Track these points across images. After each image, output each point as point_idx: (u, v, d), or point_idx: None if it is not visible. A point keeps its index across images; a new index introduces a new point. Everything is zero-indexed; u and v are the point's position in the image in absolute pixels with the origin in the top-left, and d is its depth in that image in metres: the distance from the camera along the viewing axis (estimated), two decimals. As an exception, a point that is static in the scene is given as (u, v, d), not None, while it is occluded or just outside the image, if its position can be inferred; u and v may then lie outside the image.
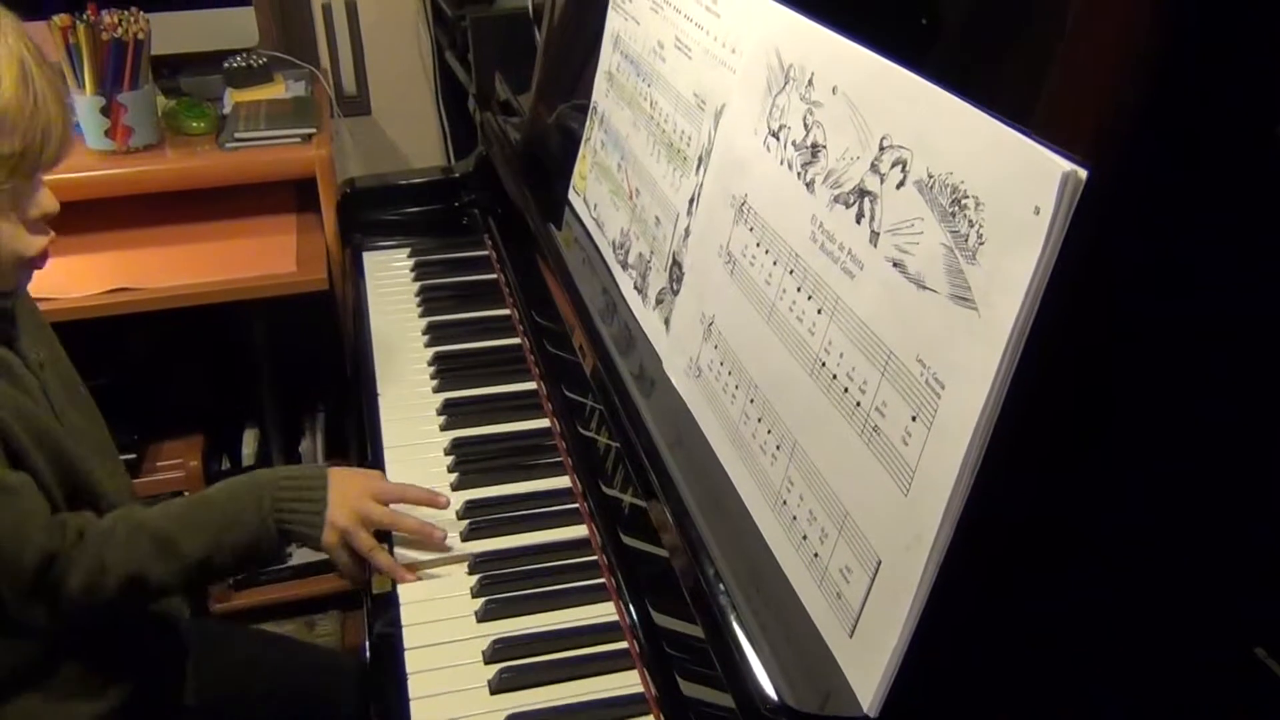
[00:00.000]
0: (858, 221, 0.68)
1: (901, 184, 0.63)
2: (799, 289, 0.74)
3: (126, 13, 1.74)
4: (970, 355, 0.56)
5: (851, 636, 0.64)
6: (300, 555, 2.12)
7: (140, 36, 1.74)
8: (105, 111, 1.76)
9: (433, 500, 1.10)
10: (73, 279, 1.67)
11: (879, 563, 0.62)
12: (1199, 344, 0.52)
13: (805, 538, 0.70)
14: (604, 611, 1.02)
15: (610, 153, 1.15)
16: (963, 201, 0.57)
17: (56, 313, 1.65)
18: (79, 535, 0.94)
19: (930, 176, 0.60)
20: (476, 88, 1.87)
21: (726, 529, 0.79)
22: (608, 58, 1.18)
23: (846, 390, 0.67)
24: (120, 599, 0.95)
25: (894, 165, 0.64)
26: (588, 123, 1.23)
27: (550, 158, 1.42)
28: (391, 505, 1.08)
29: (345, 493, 1.05)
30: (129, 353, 2.01)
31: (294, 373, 2.17)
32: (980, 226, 0.55)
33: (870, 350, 0.65)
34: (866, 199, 0.67)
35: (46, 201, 0.93)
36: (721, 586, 0.73)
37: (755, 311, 0.79)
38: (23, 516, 0.90)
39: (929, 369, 0.59)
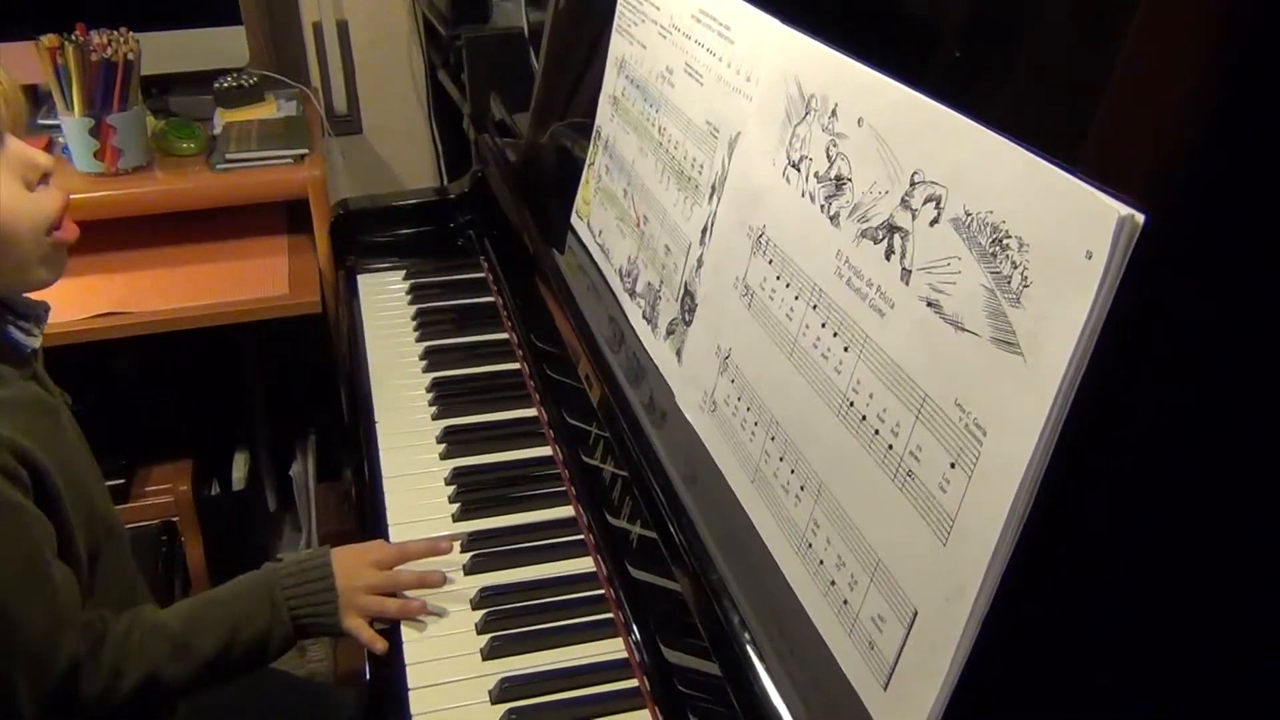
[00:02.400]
0: (887, 258, 0.66)
1: (935, 221, 0.62)
2: (823, 325, 0.72)
3: (116, 33, 1.71)
4: (1016, 402, 0.54)
5: (886, 689, 0.62)
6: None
7: (130, 57, 1.71)
8: (94, 133, 1.73)
9: (434, 549, 1.08)
10: (61, 303, 1.63)
11: (915, 613, 0.60)
12: (1261, 398, 0.50)
13: (833, 583, 0.68)
14: (613, 648, 0.99)
15: (615, 178, 1.13)
16: (1004, 242, 0.55)
17: (44, 337, 1.62)
18: (99, 639, 0.90)
19: (968, 215, 0.59)
20: (471, 107, 1.85)
21: (747, 570, 0.77)
22: (612, 82, 1.16)
23: (877, 433, 0.65)
24: (134, 700, 0.92)
25: (927, 201, 0.62)
26: (591, 146, 1.21)
27: (550, 180, 1.40)
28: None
29: (349, 570, 1.03)
30: (117, 376, 1.97)
31: (285, 395, 2.14)
32: (1024, 269, 0.54)
33: (903, 392, 0.63)
34: (897, 235, 0.65)
35: (38, 156, 0.89)
36: (747, 635, 0.71)
37: (775, 346, 0.77)
38: (59, 620, 0.86)
39: (968, 414, 0.57)
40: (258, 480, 2.12)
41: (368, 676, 1.03)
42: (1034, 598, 0.54)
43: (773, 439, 0.77)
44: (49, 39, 1.67)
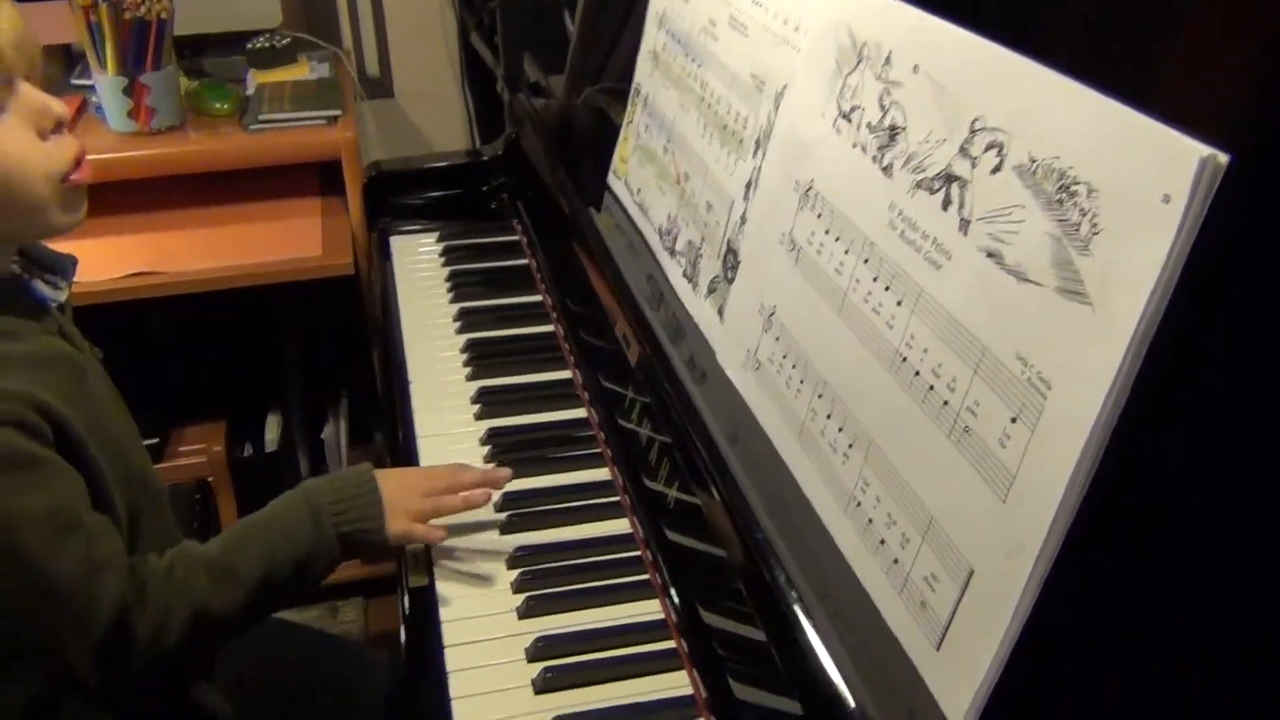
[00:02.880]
0: (944, 208, 0.64)
1: (997, 169, 0.59)
2: (875, 279, 0.70)
3: (150, -10, 1.70)
4: (1083, 354, 0.52)
5: (939, 649, 0.60)
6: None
7: (164, 16, 1.70)
8: (128, 92, 1.72)
9: (490, 479, 1.07)
10: (95, 263, 1.64)
11: (971, 572, 0.58)
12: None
13: (883, 542, 0.67)
14: (650, 609, 0.99)
15: (655, 135, 1.11)
16: (1072, 188, 0.53)
17: (78, 296, 1.62)
18: (143, 580, 0.88)
19: (1032, 161, 0.57)
20: (505, 69, 1.83)
21: (792, 530, 0.75)
22: (652, 37, 1.14)
23: (932, 388, 0.63)
24: (186, 641, 0.90)
25: (988, 149, 0.60)
26: (629, 104, 1.19)
27: (586, 140, 1.38)
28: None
29: (396, 484, 1.02)
30: (152, 336, 1.98)
31: (318, 357, 2.14)
32: (1094, 215, 0.52)
33: (960, 346, 0.61)
34: (954, 185, 0.63)
35: (52, 103, 0.85)
36: (794, 593, 0.69)
37: (824, 302, 0.76)
38: (96, 565, 0.84)
39: (1031, 367, 0.55)
40: (290, 442, 2.12)
41: (403, 635, 1.03)
42: (1097, 555, 0.53)
43: (820, 396, 0.75)
44: (83, -3, 1.66)
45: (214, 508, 1.90)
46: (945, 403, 0.62)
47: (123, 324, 1.90)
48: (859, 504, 0.69)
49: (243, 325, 2.08)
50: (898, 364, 0.67)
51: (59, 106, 0.85)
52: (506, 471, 1.07)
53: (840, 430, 0.72)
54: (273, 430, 2.09)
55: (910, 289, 0.66)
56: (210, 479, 1.89)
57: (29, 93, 0.84)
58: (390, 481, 1.02)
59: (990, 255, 0.59)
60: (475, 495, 1.04)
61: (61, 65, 1.97)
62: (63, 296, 0.92)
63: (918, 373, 0.65)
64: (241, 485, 1.94)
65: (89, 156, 1.69)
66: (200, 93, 1.85)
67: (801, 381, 0.78)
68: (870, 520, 0.68)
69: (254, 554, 0.94)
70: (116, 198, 1.74)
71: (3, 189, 0.82)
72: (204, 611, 0.91)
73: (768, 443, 0.82)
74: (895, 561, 0.65)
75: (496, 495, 1.11)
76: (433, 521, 1.03)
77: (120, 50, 1.69)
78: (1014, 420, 0.56)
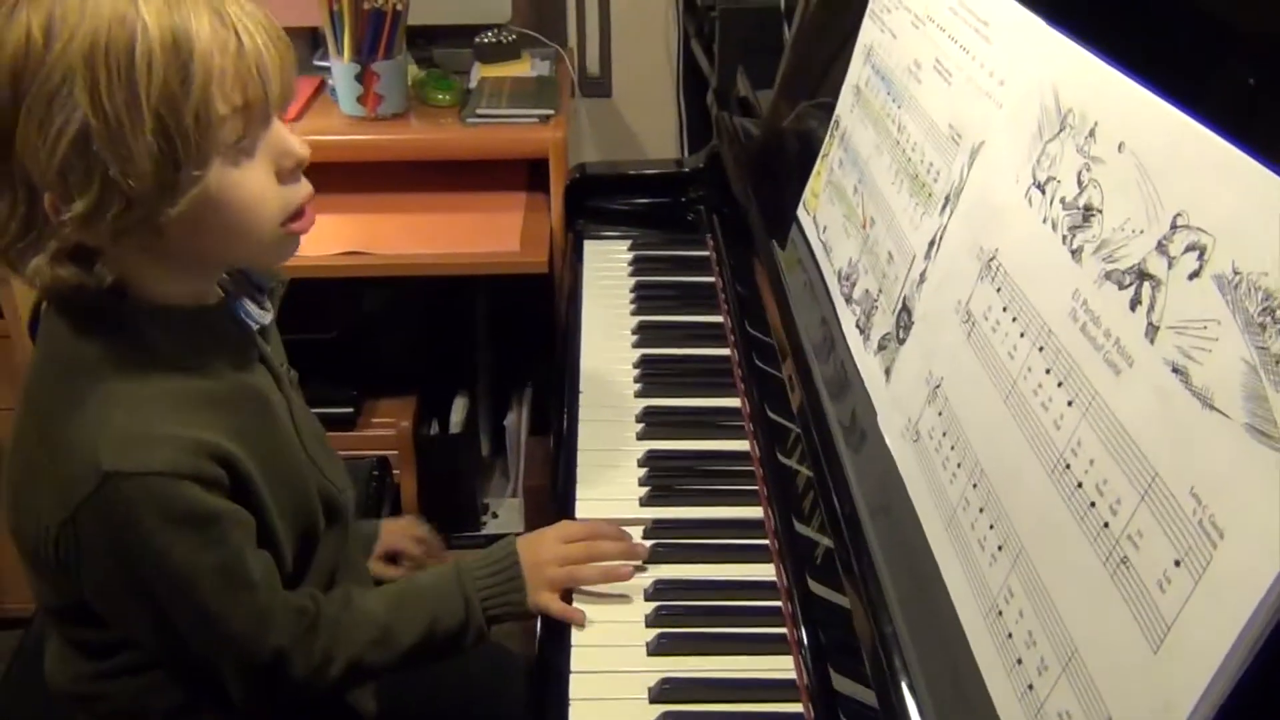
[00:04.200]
0: (1132, 308, 0.57)
1: (1195, 274, 0.53)
2: (1048, 371, 0.64)
3: (390, -19, 1.78)
4: (1267, 505, 0.45)
5: (1064, 796, 0.54)
6: (491, 526, 2.16)
7: (399, 7, 1.77)
8: (359, 78, 1.81)
9: (621, 536, 1.06)
10: (311, 238, 1.72)
11: (1109, 719, 0.52)
12: None
13: (1020, 662, 0.61)
14: (782, 665, 0.95)
15: (848, 173, 1.07)
16: (1278, 313, 0.46)
17: (291, 269, 1.72)
18: (311, 625, 0.92)
19: (1236, 273, 0.50)
20: (718, 81, 1.81)
21: (926, 623, 0.70)
22: (857, 70, 1.09)
23: (1093, 505, 0.57)
24: (337, 684, 0.94)
25: (1188, 250, 0.53)
26: (828, 137, 1.15)
27: (782, 167, 1.34)
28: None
29: (534, 549, 1.03)
30: (356, 312, 2.08)
31: (509, 347, 2.19)
32: (1300, 350, 0.45)
33: (1130, 465, 0.55)
34: (1146, 283, 0.56)
35: (294, 146, 0.83)
36: (914, 700, 0.64)
37: (991, 385, 0.70)
38: (262, 616, 0.88)
39: (1205, 508, 0.49)
40: (474, 425, 2.18)
41: (538, 649, 1.03)
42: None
43: (974, 486, 0.69)
44: (328, -15, 1.75)
45: (394, 482, 1.98)
46: (1105, 525, 0.56)
47: (332, 296, 2.02)
48: (1000, 613, 0.64)
49: (443, 308, 2.16)
50: (1060, 470, 0.61)
51: (301, 150, 0.84)
52: (644, 548, 1.06)
53: (991, 528, 0.67)
54: (459, 412, 2.16)
55: (1084, 390, 0.60)
56: (395, 453, 1.97)
57: (278, 132, 0.83)
58: (527, 552, 1.02)
59: (1175, 370, 0.53)
60: (621, 571, 1.03)
61: (308, 46, 2.10)
62: (267, 319, 0.92)
63: (1080, 485, 0.59)
64: (424, 461, 2.02)
65: (317, 137, 1.79)
66: (426, 83, 1.92)
67: (958, 465, 0.72)
68: (1010, 634, 0.62)
69: (415, 622, 0.97)
70: (337, 178, 1.84)
71: (232, 224, 0.81)
72: (359, 664, 0.94)
73: (916, 521, 0.77)
74: (1030, 687, 0.59)
75: (646, 523, 1.10)
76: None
77: (356, 38, 1.78)
78: (1178, 564, 0.50)
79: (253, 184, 0.81)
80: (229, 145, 0.78)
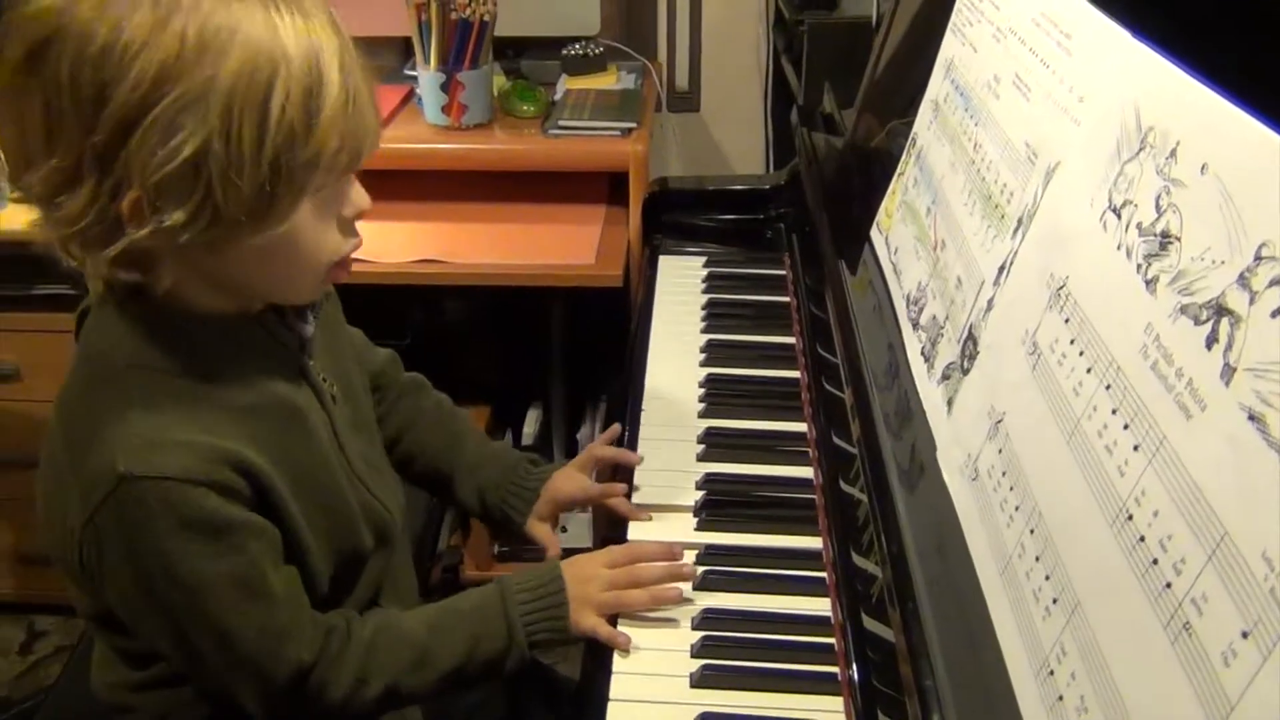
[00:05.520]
0: (1208, 346, 0.52)
1: (1279, 312, 0.47)
2: (1114, 410, 0.58)
3: (480, -7, 1.78)
4: (1344, 579, 0.40)
5: None
6: (561, 540, 2.14)
7: (486, 18, 1.77)
8: (444, 88, 1.82)
9: (670, 554, 1.03)
10: (389, 245, 1.75)
11: (1161, 804, 0.47)
12: None
13: (1069, 729, 0.55)
14: (831, 706, 0.90)
15: (922, 193, 1.02)
16: (1368, 359, 0.41)
17: (368, 275, 1.74)
18: (343, 645, 0.91)
19: (1324, 312, 0.44)
20: (804, 97, 1.77)
21: (973, 673, 0.65)
22: (937, 85, 1.04)
23: (1155, 562, 0.52)
24: (374, 707, 0.93)
25: (1272, 284, 0.48)
26: (904, 155, 1.10)
27: (860, 185, 1.29)
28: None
29: (580, 574, 1.00)
30: (432, 320, 2.09)
31: (584, 358, 2.18)
32: (1391, 402, 0.39)
33: (1197, 520, 0.49)
34: (1225, 319, 0.51)
35: (360, 199, 0.84)
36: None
37: (1054, 423, 0.64)
38: (278, 632, 0.86)
39: (1279, 575, 0.43)
40: (547, 437, 2.17)
41: (580, 675, 1.00)
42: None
43: (1031, 532, 0.64)
44: (419, -5, 1.77)
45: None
46: (1168, 585, 0.50)
47: (409, 302, 2.03)
48: (1052, 673, 0.58)
49: (520, 318, 2.16)
50: (1122, 521, 0.55)
51: (367, 204, 0.85)
52: (691, 568, 1.02)
53: (1047, 579, 0.61)
54: (532, 424, 2.15)
55: (1152, 434, 0.54)
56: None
57: (352, 184, 0.84)
58: (571, 573, 1.00)
59: (1252, 418, 0.47)
60: (668, 594, 1.00)
61: (399, 56, 2.12)
62: (308, 332, 0.91)
63: (1142, 538, 0.53)
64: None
65: (402, 145, 1.79)
66: (511, 93, 1.92)
67: (1016, 508, 0.67)
68: (1061, 697, 0.57)
69: (454, 646, 0.95)
70: (418, 186, 1.85)
71: (291, 262, 0.82)
72: (396, 688, 0.93)
73: (969, 565, 0.71)
74: (1078, 758, 0.54)
75: (698, 548, 1.06)
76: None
77: (443, 48, 1.79)
78: (1245, 635, 0.44)
79: (319, 229, 0.82)
80: (317, 191, 0.79)
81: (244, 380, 0.85)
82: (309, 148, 0.74)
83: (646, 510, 1.13)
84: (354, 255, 0.89)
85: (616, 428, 1.25)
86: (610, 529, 1.16)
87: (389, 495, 1.01)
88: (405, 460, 1.17)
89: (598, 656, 0.98)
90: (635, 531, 1.11)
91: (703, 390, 1.33)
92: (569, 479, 1.18)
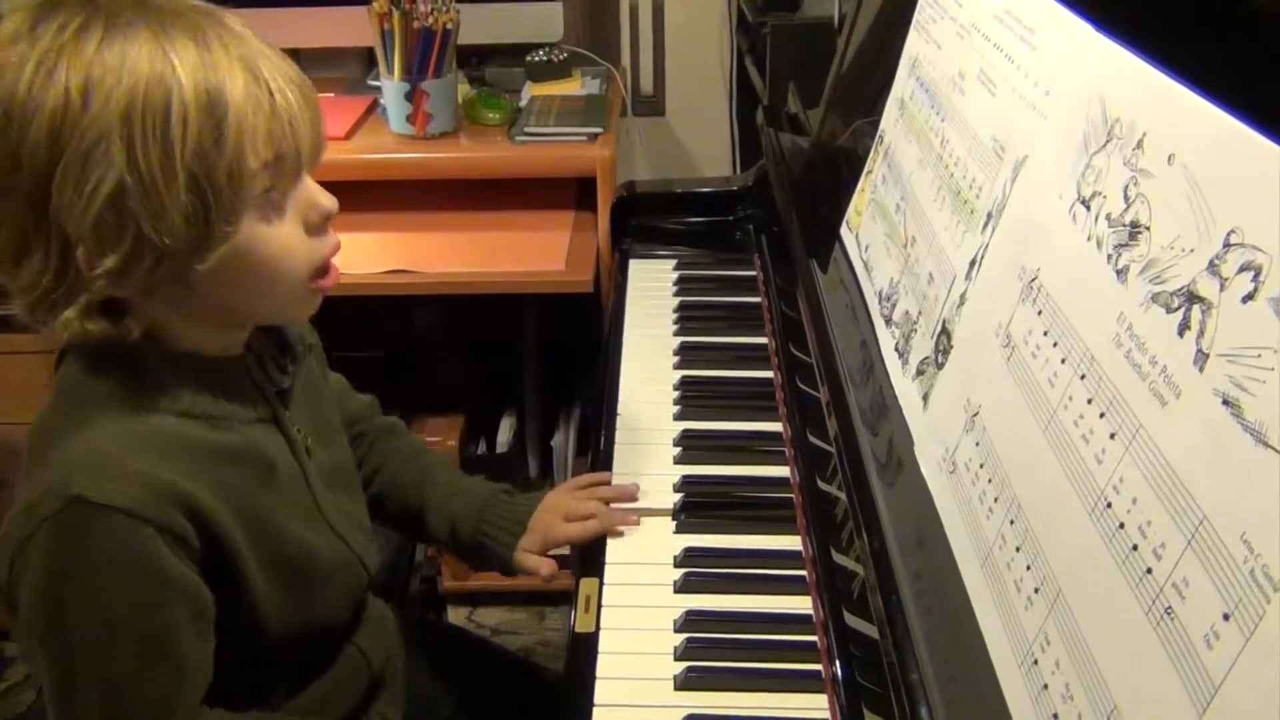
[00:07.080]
0: (1180, 333, 0.52)
1: (1250, 297, 0.48)
2: (1089, 400, 0.59)
3: (440, 1, 1.77)
4: (1323, 559, 0.40)
5: None
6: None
7: (449, 26, 1.77)
8: (409, 97, 1.81)
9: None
10: (357, 257, 1.73)
11: (1149, 787, 0.47)
12: None
13: (1056, 717, 0.56)
14: (816, 704, 0.90)
15: (890, 190, 1.02)
16: (1339, 341, 0.41)
17: (338, 287, 1.71)
18: None
19: (1294, 296, 0.45)
20: (769, 98, 1.77)
21: (958, 664, 0.66)
22: (902, 83, 1.05)
23: (1135, 548, 0.52)
24: None
25: (1242, 270, 0.49)
26: (872, 152, 1.10)
27: (828, 184, 1.30)
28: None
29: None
30: (404, 331, 2.08)
31: (556, 366, 2.17)
32: (1363, 382, 0.40)
33: (1175, 506, 0.50)
34: (1196, 306, 0.52)
35: (321, 198, 0.83)
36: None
37: (1030, 414, 0.65)
38: (176, 704, 0.81)
39: (1258, 557, 0.44)
40: (522, 444, 2.17)
41: (564, 676, 1.00)
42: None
43: (1011, 523, 0.65)
44: (379, 4, 1.75)
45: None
46: (1149, 570, 0.51)
47: (378, 314, 2.02)
48: (1036, 662, 0.59)
49: (489, 327, 2.15)
50: (1100, 509, 0.56)
51: (329, 203, 0.84)
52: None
53: (1028, 569, 0.62)
54: (505, 432, 2.14)
55: (1127, 422, 0.55)
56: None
57: (308, 186, 0.83)
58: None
59: (1227, 403, 0.48)
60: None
61: (362, 66, 2.11)
62: (285, 383, 0.91)
63: (1122, 525, 0.54)
64: (484, 482, 2.00)
65: (368, 156, 1.78)
66: (476, 101, 1.91)
67: (995, 500, 0.68)
68: (1045, 685, 0.57)
69: None
70: (385, 197, 1.84)
71: (262, 276, 0.81)
72: None
73: (952, 558, 0.72)
74: (1065, 745, 0.54)
75: (678, 550, 1.06)
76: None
77: (406, 57, 1.78)
78: (1226, 617, 0.45)
79: (282, 238, 0.81)
80: (259, 199, 0.78)
81: (214, 423, 0.83)
82: (225, 159, 0.74)
83: (628, 514, 1.13)
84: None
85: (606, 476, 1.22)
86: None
87: (367, 550, 1.00)
88: (376, 500, 1.15)
89: (582, 660, 0.97)
90: (614, 540, 1.11)
91: (677, 393, 1.33)
92: (559, 524, 1.14)
